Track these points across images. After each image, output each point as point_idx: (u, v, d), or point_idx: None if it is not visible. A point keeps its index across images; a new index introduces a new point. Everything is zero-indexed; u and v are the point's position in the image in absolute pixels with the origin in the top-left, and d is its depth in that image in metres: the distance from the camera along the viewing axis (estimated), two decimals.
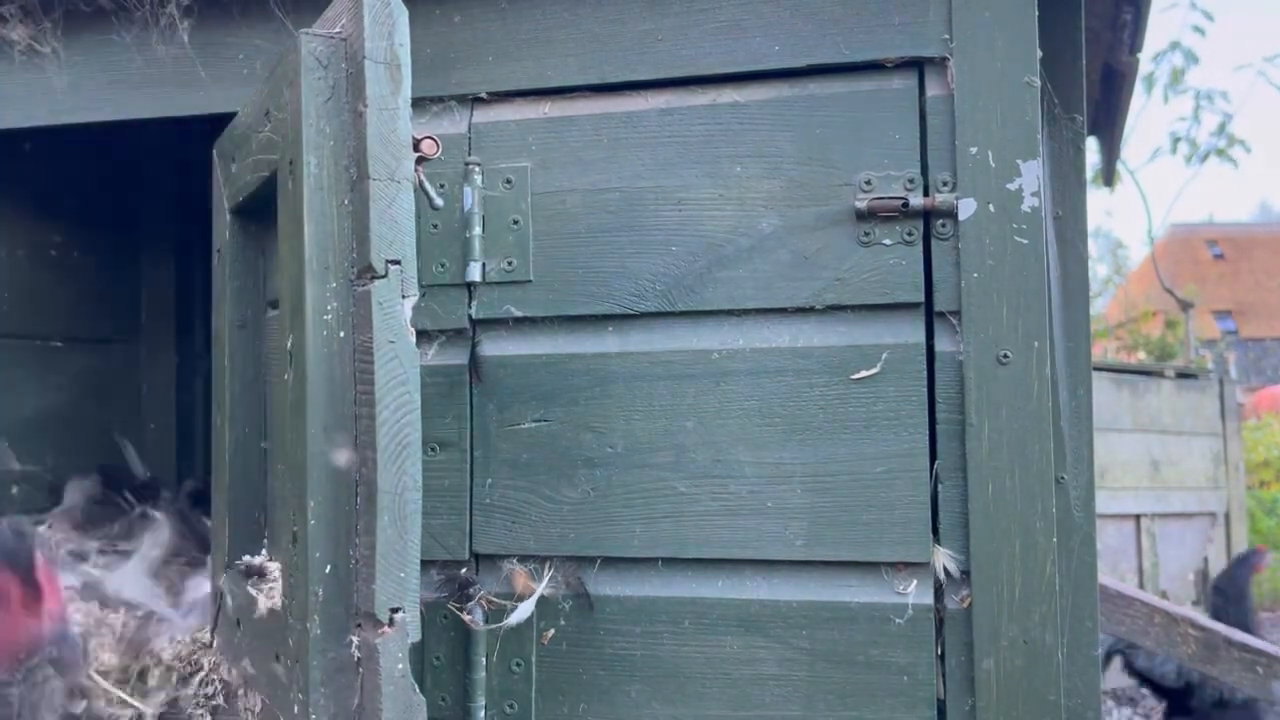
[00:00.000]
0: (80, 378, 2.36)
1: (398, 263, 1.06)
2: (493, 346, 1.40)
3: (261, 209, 1.34)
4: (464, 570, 1.38)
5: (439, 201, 1.25)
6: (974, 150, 1.25)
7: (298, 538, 1.08)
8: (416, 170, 1.09)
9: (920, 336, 1.28)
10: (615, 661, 1.35)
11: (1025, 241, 1.24)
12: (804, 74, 1.33)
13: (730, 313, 1.34)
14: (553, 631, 1.36)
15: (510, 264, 1.38)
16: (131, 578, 1.73)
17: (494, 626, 1.35)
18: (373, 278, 1.05)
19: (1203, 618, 2.86)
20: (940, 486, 1.27)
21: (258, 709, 1.42)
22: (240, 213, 1.39)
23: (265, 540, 1.39)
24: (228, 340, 1.38)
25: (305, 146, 1.08)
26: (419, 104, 1.39)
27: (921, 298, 1.28)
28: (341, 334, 1.08)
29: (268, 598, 1.22)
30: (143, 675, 1.52)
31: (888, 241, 1.28)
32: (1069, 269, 1.48)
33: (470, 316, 1.39)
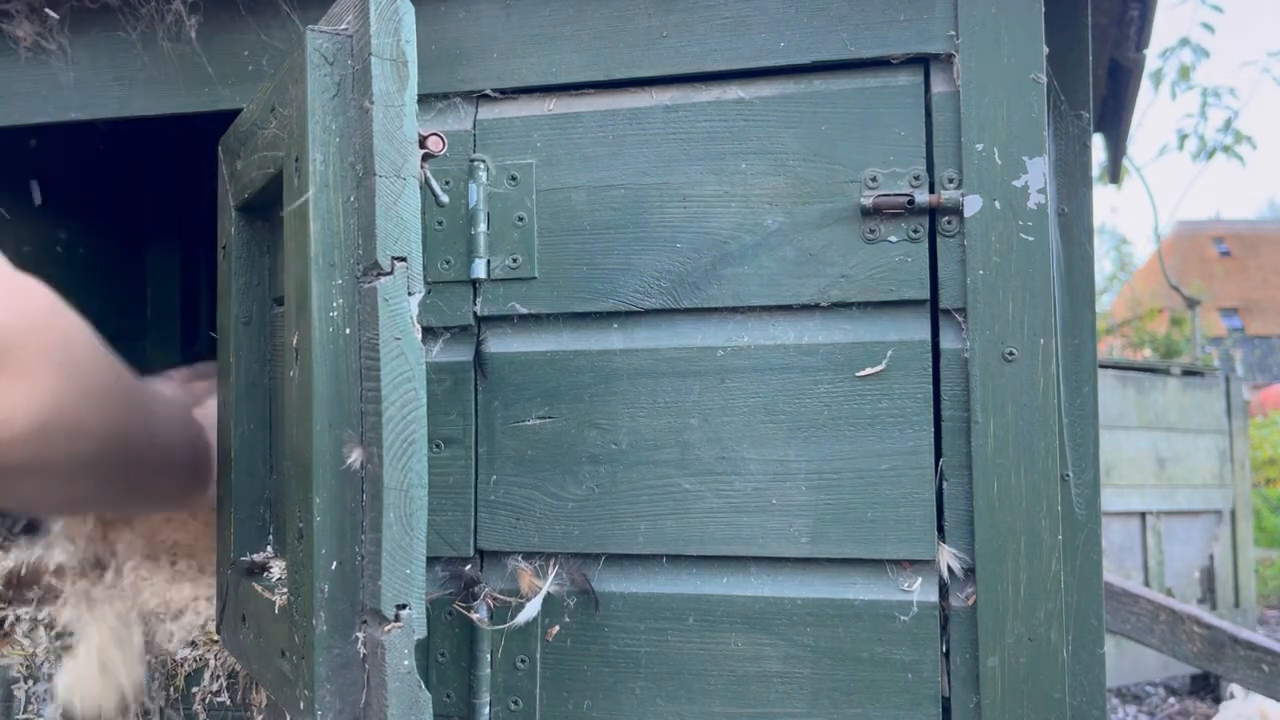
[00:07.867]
0: None
1: (404, 259, 1.06)
2: (497, 343, 1.40)
3: (267, 206, 1.34)
4: (469, 567, 1.38)
5: (444, 198, 1.25)
6: (980, 147, 1.25)
7: (303, 534, 1.08)
8: (422, 167, 1.09)
9: (925, 334, 1.28)
10: (619, 658, 1.35)
11: (1031, 238, 1.23)
12: (809, 70, 1.33)
13: (735, 310, 1.33)
14: (557, 628, 1.37)
15: (515, 261, 1.38)
16: None
17: (500, 627, 1.35)
18: (378, 274, 1.05)
19: (1208, 615, 2.85)
20: (945, 484, 1.27)
21: (264, 705, 1.43)
22: (246, 209, 1.39)
23: (270, 536, 1.40)
24: (233, 337, 1.38)
25: (311, 143, 1.08)
26: (424, 101, 1.39)
27: (927, 295, 1.28)
28: (347, 331, 1.08)
29: (273, 594, 1.22)
30: None
31: (893, 238, 1.28)
32: (1074, 266, 1.48)
33: (475, 313, 1.39)
